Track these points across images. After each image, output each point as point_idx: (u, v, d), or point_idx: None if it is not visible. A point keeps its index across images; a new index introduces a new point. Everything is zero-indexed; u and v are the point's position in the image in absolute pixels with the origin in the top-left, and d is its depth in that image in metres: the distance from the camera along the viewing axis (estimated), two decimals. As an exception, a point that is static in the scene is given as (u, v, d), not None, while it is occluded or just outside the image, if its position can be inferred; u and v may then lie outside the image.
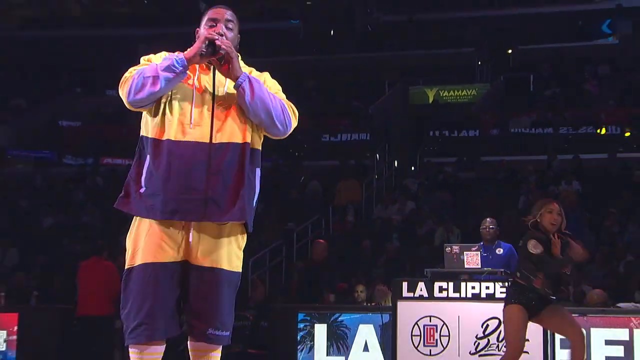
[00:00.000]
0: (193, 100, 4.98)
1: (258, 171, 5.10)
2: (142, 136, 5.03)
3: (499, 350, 10.95)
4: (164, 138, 4.93)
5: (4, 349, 13.31)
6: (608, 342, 11.61)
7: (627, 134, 24.68)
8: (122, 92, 4.94)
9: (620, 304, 12.32)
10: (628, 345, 11.44)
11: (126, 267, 4.97)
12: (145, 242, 4.92)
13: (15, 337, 13.37)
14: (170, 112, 4.96)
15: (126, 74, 4.97)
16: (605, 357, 11.59)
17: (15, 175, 25.20)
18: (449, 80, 30.77)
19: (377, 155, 22.93)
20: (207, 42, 4.89)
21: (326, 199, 20.35)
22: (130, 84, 4.88)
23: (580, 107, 26.08)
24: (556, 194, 18.75)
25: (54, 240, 19.02)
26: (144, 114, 5.03)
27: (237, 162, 4.99)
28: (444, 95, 30.01)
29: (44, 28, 35.25)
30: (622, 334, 11.58)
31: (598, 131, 25.04)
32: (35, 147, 27.46)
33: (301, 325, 12.54)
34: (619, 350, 11.53)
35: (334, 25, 33.95)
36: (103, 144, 27.04)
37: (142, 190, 4.93)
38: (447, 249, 11.70)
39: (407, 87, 29.77)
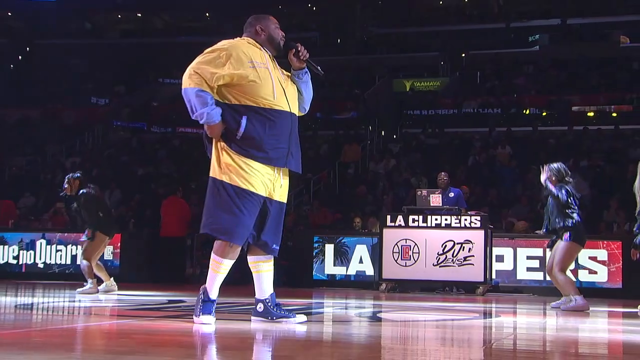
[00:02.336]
0: (273, 81, 4.89)
1: None
2: (250, 105, 4.82)
3: (452, 263, 10.99)
4: (270, 107, 4.84)
5: (111, 258, 13.42)
6: (529, 257, 11.69)
7: (544, 114, 24.66)
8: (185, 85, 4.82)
9: (537, 231, 12.34)
10: (542, 260, 11.54)
11: (236, 185, 4.78)
12: (252, 177, 4.77)
13: (118, 250, 13.48)
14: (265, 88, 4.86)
15: (198, 65, 4.79)
16: (527, 267, 11.67)
17: (118, 139, 25.23)
18: (420, 75, 30.64)
19: (370, 127, 22.86)
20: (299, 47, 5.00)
21: (334, 157, 20.30)
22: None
23: (511, 95, 25.96)
24: (494, 155, 18.76)
25: (144, 184, 19.07)
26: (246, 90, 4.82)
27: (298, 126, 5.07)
28: (417, 85, 29.83)
29: (138, 36, 35.15)
30: (537, 252, 11.64)
31: (524, 111, 25.03)
32: (132, 120, 27.44)
33: (316, 245, 12.58)
34: (535, 263, 11.65)
35: (340, 35, 33.77)
36: (178, 118, 27.01)
37: (266, 146, 4.79)
38: (418, 192, 11.71)
39: (391, 79, 29.69)
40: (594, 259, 11.37)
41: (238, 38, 5.03)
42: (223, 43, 4.90)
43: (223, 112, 4.81)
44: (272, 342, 4.28)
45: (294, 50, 5.02)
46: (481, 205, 13.91)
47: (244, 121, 4.79)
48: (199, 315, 4.83)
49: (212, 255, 4.87)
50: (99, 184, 10.69)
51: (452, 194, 11.76)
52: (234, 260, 4.90)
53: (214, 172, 4.86)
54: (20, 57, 35.72)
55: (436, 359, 3.66)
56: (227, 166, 4.80)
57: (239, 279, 6.83)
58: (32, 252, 13.95)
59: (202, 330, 4.60)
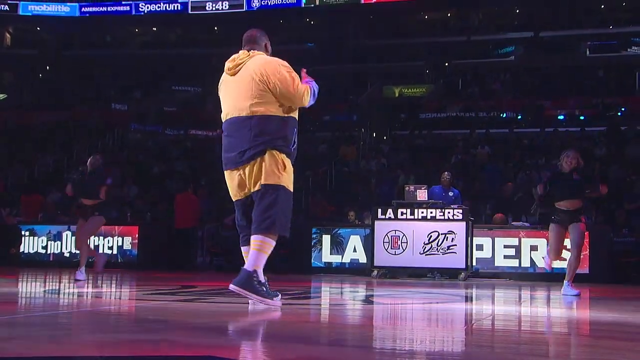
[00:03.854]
0: None
1: None
2: (289, 116, 4.80)
3: (437, 252, 10.98)
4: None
5: (129, 248, 13.40)
6: (506, 246, 11.69)
7: (519, 117, 24.71)
8: (308, 99, 4.82)
9: (513, 223, 12.36)
10: (517, 248, 11.57)
11: (291, 191, 4.90)
12: (289, 177, 4.87)
13: (136, 240, 13.46)
14: None
15: (301, 86, 4.82)
16: (504, 255, 11.67)
17: (136, 140, 25.20)
18: (408, 82, 30.67)
19: (363, 129, 22.86)
20: None
21: (331, 155, 20.30)
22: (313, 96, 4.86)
23: (490, 100, 26.00)
24: (474, 154, 18.75)
25: (159, 180, 19.05)
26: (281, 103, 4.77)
27: None
28: (405, 91, 29.86)
29: (154, 48, 35.09)
30: (514, 241, 11.66)
31: (501, 115, 25.08)
32: (148, 123, 27.43)
33: (314, 235, 12.59)
34: (512, 251, 11.65)
35: (336, 47, 33.75)
36: (190, 121, 27.00)
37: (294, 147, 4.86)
38: (406, 187, 11.71)
39: (382, 86, 29.71)
40: (564, 246, 11.37)
41: (261, 52, 4.94)
42: (278, 59, 4.87)
43: (283, 124, 4.75)
44: (279, 322, 4.27)
45: None
46: (463, 199, 13.90)
47: (296, 135, 4.86)
48: (273, 297, 4.68)
49: (268, 239, 4.69)
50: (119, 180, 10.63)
51: (451, 194, 11.73)
52: None
53: (279, 179, 4.78)
54: (48, 67, 35.69)
55: (422, 338, 3.66)
56: (288, 173, 4.83)
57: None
58: (59, 242, 13.98)
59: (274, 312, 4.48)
